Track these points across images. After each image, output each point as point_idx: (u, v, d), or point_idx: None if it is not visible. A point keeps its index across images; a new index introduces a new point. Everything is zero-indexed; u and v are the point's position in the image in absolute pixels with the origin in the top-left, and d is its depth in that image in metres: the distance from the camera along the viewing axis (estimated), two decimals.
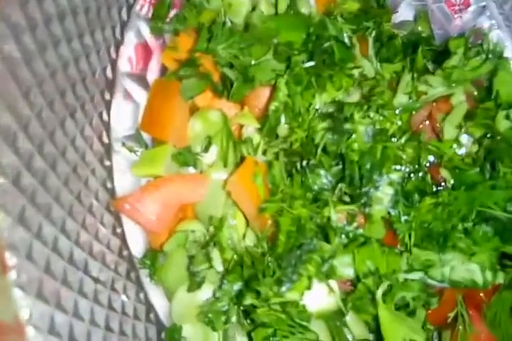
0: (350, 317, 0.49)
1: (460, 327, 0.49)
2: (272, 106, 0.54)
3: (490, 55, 0.57)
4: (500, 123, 0.54)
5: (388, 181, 0.48)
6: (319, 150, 0.51)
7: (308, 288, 0.45)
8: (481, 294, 0.51)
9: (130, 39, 0.60)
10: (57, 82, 0.45)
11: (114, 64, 0.58)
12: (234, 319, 0.47)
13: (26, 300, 0.38)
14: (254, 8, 0.66)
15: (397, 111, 0.54)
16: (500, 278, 0.47)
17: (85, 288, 0.44)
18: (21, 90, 0.40)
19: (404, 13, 0.73)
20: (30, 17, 0.41)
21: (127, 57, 0.60)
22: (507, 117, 0.55)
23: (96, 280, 0.45)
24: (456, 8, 0.76)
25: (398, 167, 0.49)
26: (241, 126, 0.60)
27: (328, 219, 0.47)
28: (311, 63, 0.55)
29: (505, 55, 0.62)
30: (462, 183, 0.49)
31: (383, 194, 0.48)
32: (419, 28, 0.75)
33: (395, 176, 0.48)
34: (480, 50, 0.57)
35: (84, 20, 0.50)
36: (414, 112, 0.56)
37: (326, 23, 0.58)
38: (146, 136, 0.60)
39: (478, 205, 0.46)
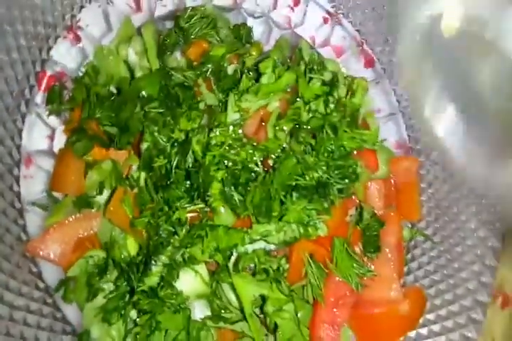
0: (222, 292, 0.58)
1: (310, 279, 0.58)
2: (144, 145, 0.69)
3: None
4: (303, 116, 0.67)
5: (217, 179, 0.61)
6: (174, 170, 0.65)
7: (160, 273, 0.55)
8: (326, 249, 0.60)
9: (33, 123, 0.75)
10: None
11: (18, 147, 0.73)
12: (134, 314, 0.57)
13: None
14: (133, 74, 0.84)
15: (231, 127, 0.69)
16: (323, 231, 0.57)
17: (14, 315, 0.55)
18: None
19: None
20: None
21: (34, 138, 0.75)
22: (308, 111, 0.69)
23: (12, 306, 0.56)
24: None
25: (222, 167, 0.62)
26: (130, 167, 0.74)
27: (179, 219, 0.59)
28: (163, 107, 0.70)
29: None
30: (276, 167, 0.62)
31: (215, 190, 0.60)
32: (273, 56, 0.91)
33: (219, 175, 0.61)
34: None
35: None
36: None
37: (171, 76, 0.75)
38: (58, 195, 0.74)
39: (286, 180, 0.58)
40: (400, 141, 0.85)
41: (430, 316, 0.64)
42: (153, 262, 0.54)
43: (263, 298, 0.58)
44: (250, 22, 0.91)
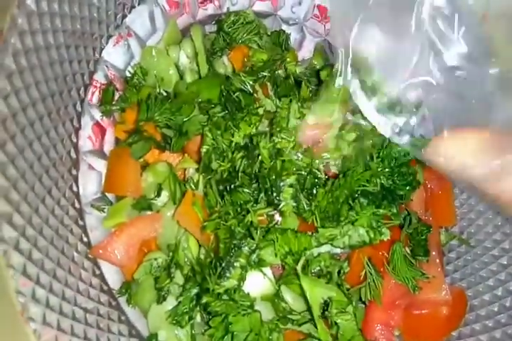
0: (286, 294, 0.59)
1: (369, 282, 0.60)
2: (204, 149, 0.69)
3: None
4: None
5: (288, 184, 0.62)
6: (240, 174, 0.66)
7: (241, 275, 0.56)
8: (381, 253, 0.63)
9: (86, 123, 0.74)
10: (34, 171, 0.58)
11: (75, 146, 0.71)
12: (198, 317, 0.58)
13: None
14: (182, 77, 0.84)
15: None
16: (386, 235, 0.59)
17: (77, 315, 0.54)
18: (10, 181, 0.53)
19: (310, 48, 0.90)
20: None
21: (87, 137, 0.73)
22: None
23: (85, 310, 0.55)
24: None
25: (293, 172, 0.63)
26: (185, 170, 0.74)
27: (251, 222, 0.60)
28: (225, 112, 0.70)
29: None
30: (344, 173, 0.63)
31: (287, 194, 0.61)
32: (315, 62, 0.92)
33: (291, 180, 0.62)
34: None
35: (48, 120, 0.64)
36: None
37: (232, 80, 0.75)
38: (110, 196, 0.73)
39: (354, 186, 0.60)
40: None
41: (471, 316, 0.68)
42: (233, 264, 0.55)
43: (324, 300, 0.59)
44: (285, 28, 0.92)
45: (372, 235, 0.56)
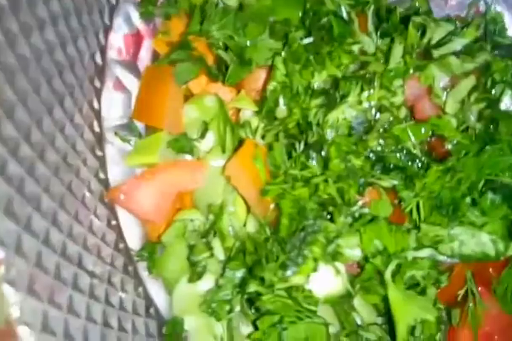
0: (357, 301, 0.45)
1: (470, 305, 0.46)
2: (270, 87, 0.51)
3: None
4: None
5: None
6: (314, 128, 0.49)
7: (315, 270, 0.41)
8: (490, 270, 0.49)
9: (119, 24, 0.56)
10: (43, 67, 0.41)
11: (103, 50, 0.54)
12: (238, 308, 0.44)
13: (17, 297, 0.35)
14: None
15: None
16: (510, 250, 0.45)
17: (80, 283, 0.40)
18: (5, 75, 0.37)
19: None
20: None
21: (117, 43, 0.56)
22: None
23: (91, 274, 0.41)
24: None
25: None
26: (238, 110, 0.57)
27: (332, 198, 0.44)
28: (309, 40, 0.51)
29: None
30: (469, 152, 0.47)
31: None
32: (417, 4, 0.73)
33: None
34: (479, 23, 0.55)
35: (70, 2, 0.47)
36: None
37: None
38: (139, 125, 0.56)
39: (486, 172, 0.44)
40: None
41: None
42: (303, 254, 0.40)
43: None
44: None
45: (501, 248, 0.42)
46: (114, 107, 0.54)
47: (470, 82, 0.50)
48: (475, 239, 0.43)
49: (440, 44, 0.55)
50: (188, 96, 0.57)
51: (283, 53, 0.51)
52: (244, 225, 0.49)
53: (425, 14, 0.62)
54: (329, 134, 0.48)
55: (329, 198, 0.44)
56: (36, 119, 0.40)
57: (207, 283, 0.45)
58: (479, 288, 0.49)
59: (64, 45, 0.45)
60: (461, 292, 0.47)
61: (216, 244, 0.47)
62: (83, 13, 0.48)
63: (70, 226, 0.40)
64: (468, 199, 0.43)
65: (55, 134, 0.42)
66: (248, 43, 0.53)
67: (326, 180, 0.44)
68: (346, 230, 0.43)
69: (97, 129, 0.50)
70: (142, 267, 0.49)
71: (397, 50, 0.52)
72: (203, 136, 0.54)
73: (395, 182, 0.45)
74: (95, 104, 0.51)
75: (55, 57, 0.43)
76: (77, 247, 0.40)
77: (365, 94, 0.50)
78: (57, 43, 0.43)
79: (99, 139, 0.50)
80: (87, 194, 0.45)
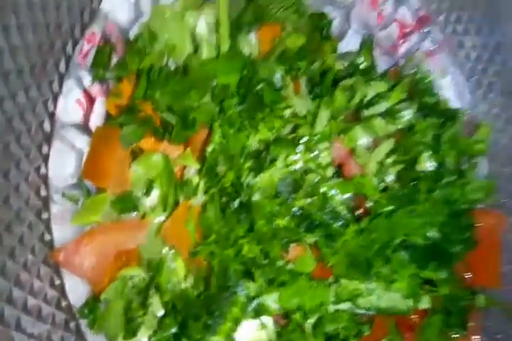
0: None
1: None
2: (209, 148, 0.56)
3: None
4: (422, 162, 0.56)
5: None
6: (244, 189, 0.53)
7: (233, 330, 0.45)
8: (413, 317, 0.53)
9: (71, 88, 0.61)
10: None
11: (52, 116, 0.59)
12: None
13: None
14: (197, 50, 0.70)
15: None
16: (426, 303, 0.49)
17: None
18: None
19: (352, 42, 0.73)
20: None
21: (69, 106, 0.61)
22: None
23: (30, 335, 0.44)
24: (401, 33, 0.80)
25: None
26: (184, 167, 0.62)
27: (254, 258, 0.48)
28: (243, 106, 0.57)
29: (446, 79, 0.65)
30: (383, 211, 0.52)
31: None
32: (362, 58, 0.78)
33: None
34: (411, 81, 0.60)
35: (16, 80, 0.52)
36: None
37: (257, 66, 0.62)
38: (90, 184, 0.60)
39: (398, 232, 0.49)
40: None
41: None
42: (225, 314, 0.44)
43: None
44: (328, 12, 0.76)
45: (410, 304, 0.46)
46: (64, 167, 0.60)
47: (389, 144, 0.55)
48: (388, 294, 0.47)
49: (368, 105, 0.60)
50: (138, 153, 0.62)
51: (220, 118, 0.56)
52: (185, 280, 0.54)
53: (366, 70, 0.68)
54: (257, 196, 0.53)
55: (253, 258, 0.48)
56: None
57: (142, 340, 0.49)
58: (406, 335, 0.53)
59: (10, 120, 0.49)
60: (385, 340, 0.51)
61: (155, 299, 0.51)
62: (31, 87, 0.54)
63: (9, 290, 0.45)
64: (381, 258, 0.48)
65: None
66: (192, 106, 0.59)
67: (250, 241, 0.49)
68: (267, 288, 0.47)
69: (43, 193, 0.55)
70: (84, 323, 0.52)
71: (323, 114, 0.57)
72: (148, 193, 0.59)
73: (317, 239, 0.50)
74: (42, 170, 0.56)
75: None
76: (16, 311, 0.45)
77: (293, 157, 0.55)
78: (2, 120, 0.48)
79: (46, 202, 0.55)
80: (30, 257, 0.49)
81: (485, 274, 0.65)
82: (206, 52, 0.66)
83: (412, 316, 0.51)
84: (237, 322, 0.45)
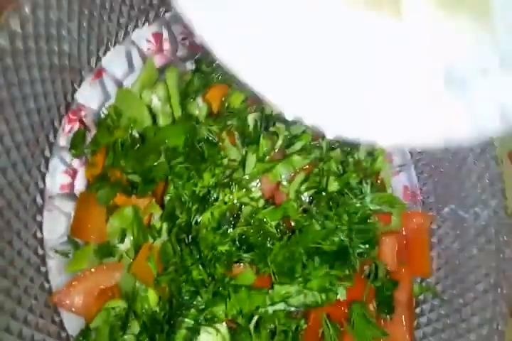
0: None
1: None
2: (167, 197, 0.73)
3: None
4: (331, 184, 0.71)
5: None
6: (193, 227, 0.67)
7: (187, 337, 0.58)
8: (343, 308, 0.64)
9: (56, 167, 0.78)
10: None
11: (42, 192, 0.75)
12: None
13: None
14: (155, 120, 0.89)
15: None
16: (342, 295, 0.61)
17: None
18: None
19: None
20: None
21: (56, 181, 0.79)
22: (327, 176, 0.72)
23: None
24: None
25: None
26: (150, 215, 0.79)
27: (202, 280, 0.62)
28: (189, 161, 0.74)
29: None
30: (302, 227, 0.66)
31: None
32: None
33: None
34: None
35: (12, 172, 0.68)
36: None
37: (196, 129, 0.79)
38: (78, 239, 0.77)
39: (310, 244, 0.62)
40: (411, 193, 0.89)
41: None
42: (181, 324, 0.58)
43: None
44: None
45: (323, 297, 0.58)
46: (57, 229, 0.76)
47: (301, 176, 0.71)
48: (310, 292, 0.60)
49: (289, 145, 0.77)
50: (113, 208, 0.78)
51: (171, 173, 0.73)
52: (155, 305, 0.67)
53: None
54: (203, 231, 0.67)
55: (202, 279, 0.62)
56: None
57: None
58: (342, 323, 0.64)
59: (9, 202, 0.66)
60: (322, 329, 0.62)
61: (133, 323, 0.65)
62: (24, 175, 0.71)
63: (19, 330, 0.59)
64: (301, 264, 0.61)
65: (6, 268, 0.62)
66: (150, 166, 0.76)
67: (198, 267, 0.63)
68: (215, 300, 0.60)
69: (40, 252, 0.71)
70: None
71: (251, 159, 0.73)
72: (122, 240, 0.75)
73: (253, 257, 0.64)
74: (38, 234, 0.72)
75: (4, 213, 0.65)
76: None
77: (230, 196, 0.70)
78: (3, 202, 0.65)
79: (43, 258, 0.71)
80: (34, 302, 0.64)
81: (418, 266, 0.77)
82: (163, 121, 0.85)
83: (342, 307, 0.63)
84: (192, 330, 0.58)
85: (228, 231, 0.66)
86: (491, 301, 0.69)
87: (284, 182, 0.71)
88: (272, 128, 0.78)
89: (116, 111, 0.84)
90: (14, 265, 0.63)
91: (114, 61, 0.84)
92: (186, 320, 0.58)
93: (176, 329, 0.58)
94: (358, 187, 0.68)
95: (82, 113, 0.82)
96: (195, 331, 0.58)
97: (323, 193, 0.68)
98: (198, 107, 0.86)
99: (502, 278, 0.69)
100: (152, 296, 0.67)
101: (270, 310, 0.61)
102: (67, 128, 0.81)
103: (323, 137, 0.78)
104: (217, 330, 0.61)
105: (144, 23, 0.81)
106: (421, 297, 0.78)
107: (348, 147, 0.75)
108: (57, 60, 0.68)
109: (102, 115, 0.84)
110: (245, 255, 0.64)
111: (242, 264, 0.64)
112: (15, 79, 0.63)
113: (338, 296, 0.60)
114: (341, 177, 0.69)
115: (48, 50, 0.64)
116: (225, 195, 0.70)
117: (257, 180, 0.72)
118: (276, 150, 0.78)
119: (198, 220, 0.69)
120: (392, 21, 0.36)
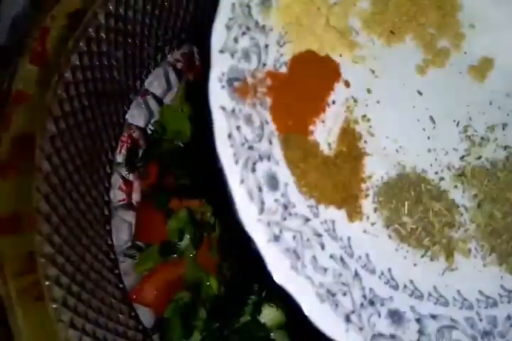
0: None
1: None
2: None
3: None
4: None
5: None
6: None
7: (251, 311, 0.66)
8: None
9: (115, 181, 0.89)
10: (75, 235, 0.68)
11: (108, 204, 0.86)
12: None
13: None
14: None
15: None
16: None
17: None
18: (55, 248, 0.67)
19: None
20: None
21: (117, 193, 0.89)
22: None
23: None
24: None
25: None
26: (202, 213, 0.87)
27: None
28: None
29: None
30: None
31: None
32: None
33: None
34: None
35: (83, 188, 0.78)
36: None
37: None
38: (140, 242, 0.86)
39: None
40: None
41: None
42: (246, 301, 0.65)
43: None
44: None
45: None
46: (122, 237, 0.86)
47: None
48: None
49: None
50: (169, 212, 0.87)
51: None
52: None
53: None
54: None
55: None
56: (76, 267, 0.68)
57: (196, 336, 0.69)
58: None
59: (84, 214, 0.75)
60: None
61: (201, 309, 0.72)
62: (92, 188, 0.81)
63: (106, 325, 0.68)
64: None
65: (89, 272, 0.69)
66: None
67: None
68: None
69: (112, 256, 0.80)
70: (157, 338, 0.75)
71: None
72: (180, 239, 0.83)
73: None
74: (109, 241, 0.82)
75: (81, 224, 0.73)
76: (111, 336, 0.67)
77: None
78: (80, 216, 0.75)
79: (115, 262, 0.80)
80: (113, 300, 0.72)
81: None
82: None
83: None
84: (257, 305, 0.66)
85: None
86: None
87: None
88: None
89: (161, 126, 0.94)
90: (95, 269, 0.73)
91: (154, 82, 0.94)
92: (252, 296, 0.65)
93: (244, 305, 0.64)
94: None
95: (132, 131, 0.92)
96: (259, 305, 0.65)
97: None
98: None
99: None
100: (214, 283, 0.74)
101: None
102: (122, 146, 0.92)
103: None
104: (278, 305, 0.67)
105: (178, 45, 0.91)
106: None
107: None
108: (109, 85, 0.78)
109: (149, 131, 0.94)
110: None
111: None
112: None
113: None
114: None
115: (100, 78, 0.75)
116: None
117: None
118: None
119: None
120: None
